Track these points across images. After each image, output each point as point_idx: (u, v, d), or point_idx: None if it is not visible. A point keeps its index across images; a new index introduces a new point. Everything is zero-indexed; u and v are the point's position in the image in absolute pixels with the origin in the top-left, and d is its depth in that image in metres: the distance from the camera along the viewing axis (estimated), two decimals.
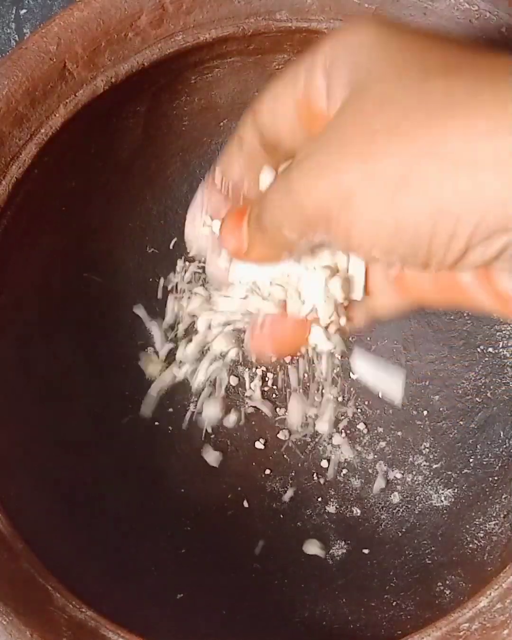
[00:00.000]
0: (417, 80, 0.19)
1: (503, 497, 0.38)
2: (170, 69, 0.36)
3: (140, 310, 0.43)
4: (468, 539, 0.38)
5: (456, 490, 0.40)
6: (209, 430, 0.43)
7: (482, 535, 0.38)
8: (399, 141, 0.19)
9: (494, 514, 0.38)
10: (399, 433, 0.43)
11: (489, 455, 0.40)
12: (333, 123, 0.21)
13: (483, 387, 0.41)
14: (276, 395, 0.43)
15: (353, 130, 0.20)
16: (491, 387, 0.41)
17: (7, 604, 0.29)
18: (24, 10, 0.45)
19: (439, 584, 0.37)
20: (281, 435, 0.43)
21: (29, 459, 0.36)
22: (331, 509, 0.41)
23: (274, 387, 0.43)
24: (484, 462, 0.40)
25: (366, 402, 0.43)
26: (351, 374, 0.43)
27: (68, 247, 0.40)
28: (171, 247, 0.44)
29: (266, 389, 0.43)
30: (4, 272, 0.35)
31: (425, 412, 0.42)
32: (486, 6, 0.33)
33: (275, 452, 0.43)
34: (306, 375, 0.43)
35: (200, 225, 0.28)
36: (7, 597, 0.30)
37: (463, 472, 0.41)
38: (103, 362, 0.43)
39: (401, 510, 0.41)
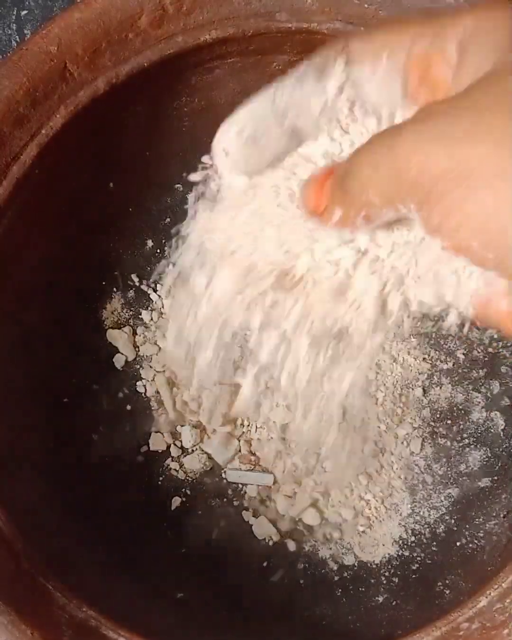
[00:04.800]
0: None
1: (503, 497, 0.38)
2: (171, 69, 0.36)
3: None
4: (468, 538, 0.38)
5: (456, 491, 0.40)
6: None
7: (482, 535, 0.38)
8: None
9: (494, 514, 0.38)
10: None
11: (489, 455, 0.40)
12: (470, 95, 0.19)
13: (483, 387, 0.41)
14: None
15: (498, 108, 0.18)
16: (491, 388, 0.41)
17: (7, 604, 0.29)
18: (25, 11, 0.45)
19: (439, 583, 0.37)
20: None
21: (29, 459, 0.36)
22: None
23: None
24: (484, 463, 0.40)
25: None
26: None
27: (68, 247, 0.40)
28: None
29: None
30: (4, 271, 0.35)
31: (426, 413, 0.42)
32: None
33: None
34: None
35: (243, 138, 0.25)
36: (8, 597, 0.30)
37: (463, 472, 0.41)
38: (105, 362, 0.43)
39: (402, 510, 0.41)
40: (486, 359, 0.42)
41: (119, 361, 0.43)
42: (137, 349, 0.43)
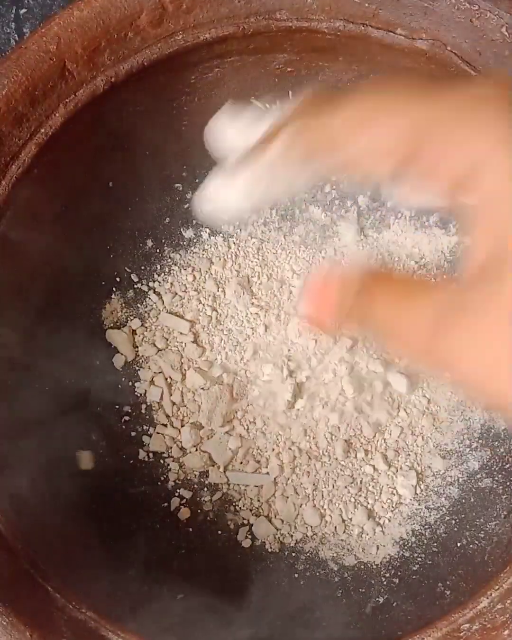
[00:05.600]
0: None
1: (504, 497, 0.38)
2: (170, 68, 0.36)
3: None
4: (469, 539, 0.38)
5: (456, 491, 0.40)
6: None
7: (482, 535, 0.38)
8: None
9: (495, 515, 0.38)
10: None
11: (490, 455, 0.40)
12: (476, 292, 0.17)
13: None
14: None
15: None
16: None
17: (6, 605, 0.29)
18: (24, 10, 0.45)
19: (440, 584, 0.37)
20: None
21: (29, 459, 0.36)
22: None
23: None
24: (485, 463, 0.40)
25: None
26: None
27: (68, 247, 0.40)
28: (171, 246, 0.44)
29: None
30: (3, 270, 0.35)
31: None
32: (487, 5, 0.33)
33: None
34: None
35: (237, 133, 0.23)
36: (7, 598, 0.30)
37: (464, 472, 0.41)
38: (104, 362, 0.43)
39: (402, 510, 0.41)
40: None
41: (118, 361, 0.43)
42: (136, 350, 0.43)
